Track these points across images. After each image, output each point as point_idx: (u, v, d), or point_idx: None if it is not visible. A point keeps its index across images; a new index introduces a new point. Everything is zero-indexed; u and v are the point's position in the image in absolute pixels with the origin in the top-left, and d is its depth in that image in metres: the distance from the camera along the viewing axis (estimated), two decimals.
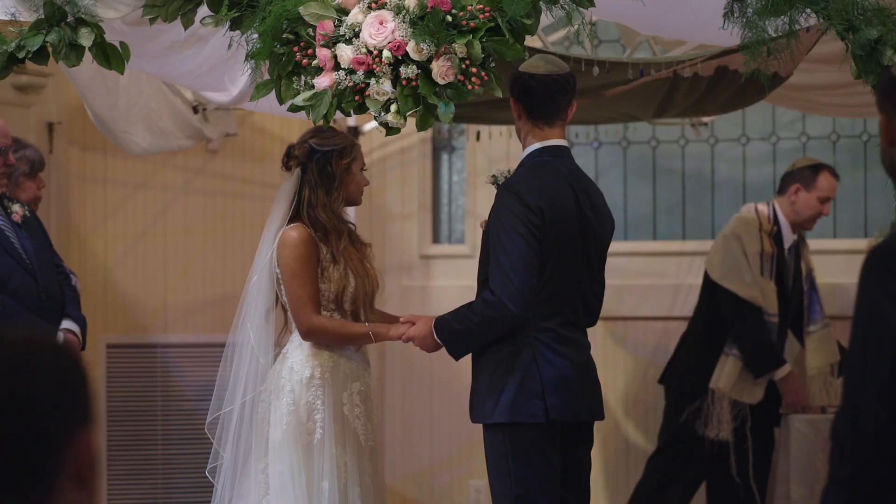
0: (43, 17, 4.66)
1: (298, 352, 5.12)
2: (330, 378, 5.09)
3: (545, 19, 4.70)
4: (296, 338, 5.15)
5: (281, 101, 4.62)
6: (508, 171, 4.93)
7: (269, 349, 5.21)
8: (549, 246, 4.74)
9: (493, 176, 4.99)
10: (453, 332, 4.86)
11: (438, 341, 4.89)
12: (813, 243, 7.90)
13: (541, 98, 4.81)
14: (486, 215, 8.60)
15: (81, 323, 5.84)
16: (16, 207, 5.82)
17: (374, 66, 4.42)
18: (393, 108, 4.44)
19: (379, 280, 5.36)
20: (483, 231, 4.95)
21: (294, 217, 5.18)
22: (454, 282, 8.20)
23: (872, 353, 2.68)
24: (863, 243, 7.48)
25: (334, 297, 5.14)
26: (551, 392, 4.71)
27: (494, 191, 4.98)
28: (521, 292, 4.68)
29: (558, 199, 4.77)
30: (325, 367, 5.10)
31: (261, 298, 5.18)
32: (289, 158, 5.23)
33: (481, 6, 4.39)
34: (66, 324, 5.77)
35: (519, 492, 4.73)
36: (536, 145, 4.85)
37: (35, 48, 4.67)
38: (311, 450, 5.02)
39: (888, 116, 2.88)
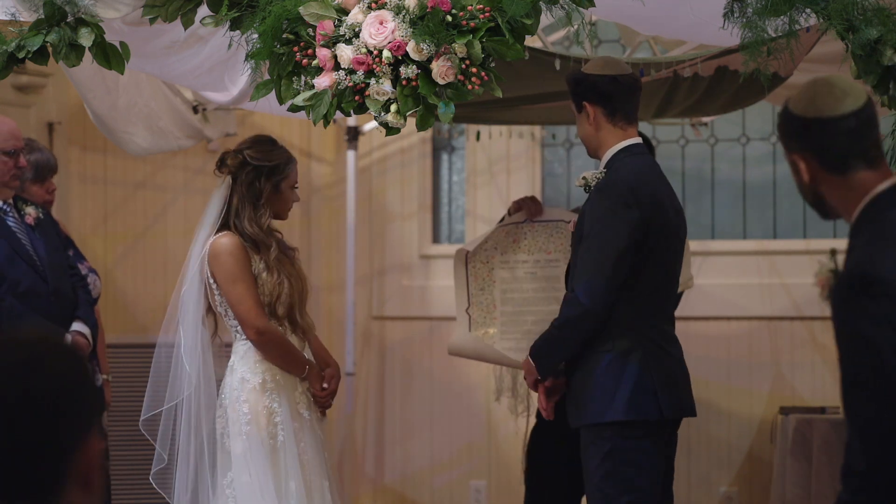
0: (43, 17, 4.65)
1: (245, 361, 5.17)
2: (281, 380, 5.16)
3: (545, 19, 4.69)
4: (239, 349, 5.20)
5: (281, 101, 4.62)
6: (601, 173, 4.89)
7: (205, 354, 5.24)
8: (654, 242, 4.74)
9: (584, 178, 4.91)
10: (537, 346, 4.87)
11: (531, 362, 4.89)
12: (814, 243, 7.90)
13: (624, 98, 4.83)
14: (486, 215, 8.62)
15: (92, 325, 5.85)
16: (29, 209, 5.83)
17: (374, 66, 4.42)
18: (393, 108, 4.44)
19: (308, 284, 5.39)
20: (572, 233, 4.95)
21: (224, 225, 5.23)
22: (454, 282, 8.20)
23: (868, 379, 2.68)
24: None
25: (268, 303, 5.19)
26: (662, 390, 4.70)
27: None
28: (601, 289, 4.67)
29: (658, 197, 4.79)
30: (274, 370, 5.17)
31: (193, 305, 5.23)
32: (221, 165, 5.27)
33: (481, 6, 4.38)
34: (76, 325, 5.79)
35: (623, 490, 4.69)
36: (620, 145, 4.84)
37: (35, 48, 4.67)
38: (276, 453, 5.07)
39: (800, 155, 2.94)
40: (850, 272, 2.77)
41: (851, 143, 2.93)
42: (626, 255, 4.69)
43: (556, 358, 4.85)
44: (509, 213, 6.10)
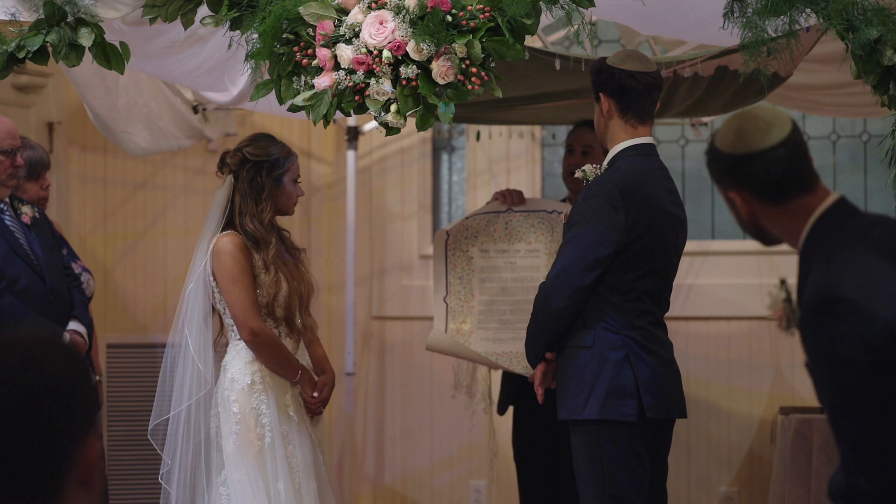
0: (43, 17, 4.66)
1: (236, 361, 5.20)
2: (270, 381, 5.17)
3: (545, 19, 4.70)
4: (232, 349, 5.24)
5: (281, 101, 4.62)
6: (600, 168, 4.89)
7: (209, 353, 5.26)
8: (642, 246, 4.74)
9: (583, 170, 4.94)
10: (526, 335, 4.91)
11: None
12: None
13: (639, 96, 4.81)
14: None
15: (88, 324, 5.86)
16: (26, 209, 5.84)
17: (374, 66, 4.42)
18: (393, 108, 4.44)
19: (314, 284, 5.39)
20: (564, 224, 4.97)
21: (228, 224, 5.24)
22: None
23: (851, 399, 2.67)
24: None
25: (265, 304, 5.20)
26: (646, 391, 4.70)
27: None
28: (568, 284, 4.70)
29: (653, 199, 4.78)
30: (263, 371, 5.19)
31: (198, 305, 5.25)
32: (221, 165, 5.29)
33: (481, 6, 4.39)
34: (73, 325, 5.80)
35: (613, 493, 4.70)
36: (628, 143, 4.84)
37: (35, 48, 4.67)
38: (263, 454, 5.09)
39: (736, 192, 2.95)
40: (812, 298, 2.77)
41: (784, 173, 2.94)
42: (604, 256, 4.70)
43: (534, 346, 4.87)
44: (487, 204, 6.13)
